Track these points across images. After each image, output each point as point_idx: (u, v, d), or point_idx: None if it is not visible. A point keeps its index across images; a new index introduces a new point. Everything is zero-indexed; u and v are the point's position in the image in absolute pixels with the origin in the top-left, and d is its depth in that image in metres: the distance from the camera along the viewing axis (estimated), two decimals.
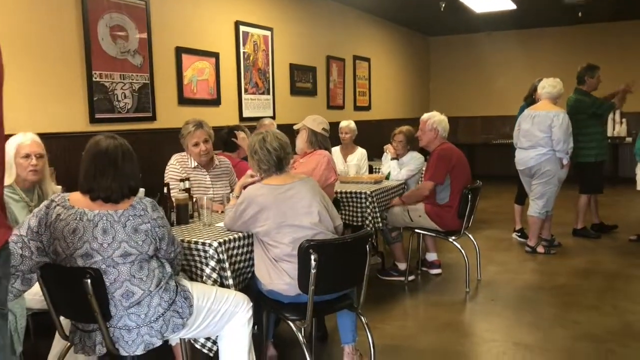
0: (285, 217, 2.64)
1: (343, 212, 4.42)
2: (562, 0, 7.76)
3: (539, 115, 5.24)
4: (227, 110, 5.70)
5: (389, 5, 8.36)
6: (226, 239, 2.70)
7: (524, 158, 5.38)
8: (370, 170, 5.79)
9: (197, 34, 5.30)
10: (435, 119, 4.48)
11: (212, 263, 2.63)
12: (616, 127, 9.51)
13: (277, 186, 2.71)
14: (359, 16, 8.49)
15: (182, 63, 5.09)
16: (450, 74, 11.32)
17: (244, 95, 5.92)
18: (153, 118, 4.78)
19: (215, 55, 5.50)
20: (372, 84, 8.98)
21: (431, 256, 4.84)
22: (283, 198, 2.67)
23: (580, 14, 7.97)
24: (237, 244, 2.75)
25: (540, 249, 5.39)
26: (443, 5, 7.82)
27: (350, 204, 4.38)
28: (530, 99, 5.75)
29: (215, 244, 2.63)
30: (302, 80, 7.03)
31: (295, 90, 6.89)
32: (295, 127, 3.85)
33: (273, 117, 6.14)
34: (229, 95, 5.75)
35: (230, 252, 2.70)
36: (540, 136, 5.21)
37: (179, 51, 5.06)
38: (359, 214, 4.33)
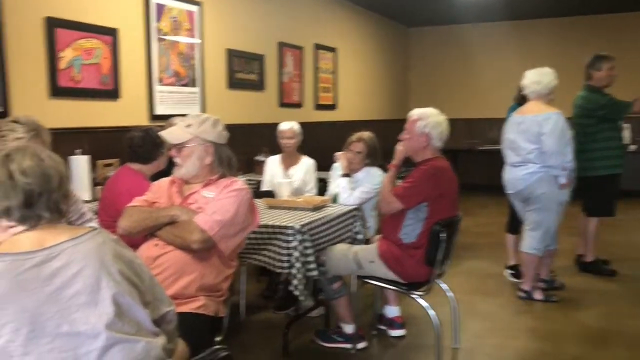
0: (35, 320, 1.28)
1: (265, 253, 3.08)
2: None
3: (526, 121, 3.97)
4: (130, 105, 4.32)
5: None
6: None
7: (512, 179, 4.09)
8: (323, 187, 4.40)
9: (81, 2, 3.93)
10: (429, 120, 3.10)
11: None
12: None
13: (22, 256, 1.33)
14: None
15: (57, 40, 3.72)
16: (432, 70, 9.97)
17: (157, 87, 4.54)
18: (4, 114, 3.39)
19: (112, 32, 4.11)
20: (338, 78, 7.63)
21: (392, 311, 3.50)
22: (30, 280, 1.30)
23: None
24: None
25: (537, 295, 4.08)
26: None
27: (274, 242, 3.04)
28: (522, 99, 4.47)
29: None
30: (244, 70, 5.66)
31: (234, 83, 5.53)
32: (162, 134, 2.52)
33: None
34: (134, 85, 4.36)
35: None
36: (529, 148, 3.94)
37: (51, 23, 3.69)
38: (285, 258, 3.00)
